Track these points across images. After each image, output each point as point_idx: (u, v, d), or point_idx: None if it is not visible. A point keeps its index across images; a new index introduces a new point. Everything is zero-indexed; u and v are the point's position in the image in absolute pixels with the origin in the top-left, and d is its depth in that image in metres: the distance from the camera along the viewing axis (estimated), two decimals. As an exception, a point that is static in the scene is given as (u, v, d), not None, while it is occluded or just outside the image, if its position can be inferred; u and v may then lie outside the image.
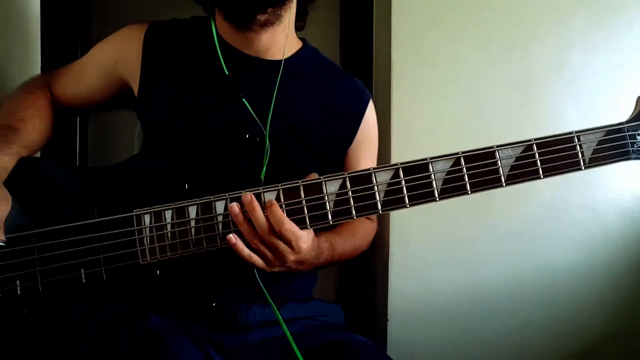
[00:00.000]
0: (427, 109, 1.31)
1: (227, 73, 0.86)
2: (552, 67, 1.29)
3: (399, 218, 1.33)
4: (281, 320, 0.78)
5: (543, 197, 1.31)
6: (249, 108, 0.84)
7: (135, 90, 0.90)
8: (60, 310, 0.74)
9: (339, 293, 1.61)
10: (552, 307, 1.31)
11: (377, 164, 1.06)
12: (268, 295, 0.79)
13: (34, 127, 0.90)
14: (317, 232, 0.83)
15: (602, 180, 1.30)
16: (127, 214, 0.74)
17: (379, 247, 1.48)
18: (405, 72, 1.32)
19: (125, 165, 0.84)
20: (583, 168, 0.72)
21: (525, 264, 1.31)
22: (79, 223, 0.74)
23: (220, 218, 0.73)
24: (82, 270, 0.73)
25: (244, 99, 0.84)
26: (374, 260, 1.53)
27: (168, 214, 0.74)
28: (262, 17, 0.83)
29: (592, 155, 0.72)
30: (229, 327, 0.84)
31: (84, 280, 0.73)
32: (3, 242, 0.70)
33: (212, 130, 0.86)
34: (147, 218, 0.74)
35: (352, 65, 1.56)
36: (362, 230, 0.99)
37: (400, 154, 1.30)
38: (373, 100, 1.02)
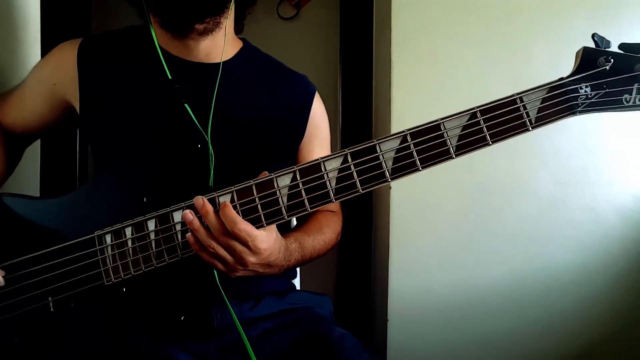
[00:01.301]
0: (427, 109, 1.31)
1: (170, 77, 0.84)
2: (552, 67, 1.29)
3: (399, 218, 1.33)
4: (239, 326, 0.77)
5: (543, 197, 1.31)
6: (191, 113, 0.83)
7: (78, 108, 0.88)
8: (32, 340, 0.73)
9: (338, 293, 1.61)
10: (552, 307, 1.32)
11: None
12: (226, 298, 0.78)
13: None
14: (286, 234, 0.83)
15: (602, 180, 1.30)
16: (88, 236, 0.74)
17: (379, 247, 1.48)
18: (405, 72, 1.32)
19: (84, 190, 0.82)
20: (530, 129, 0.71)
21: (524, 264, 1.31)
22: (41, 252, 0.73)
23: (178, 227, 0.73)
24: (50, 298, 0.73)
25: (186, 105, 0.83)
26: (374, 260, 1.53)
27: (128, 231, 0.73)
28: (200, 27, 0.82)
29: (537, 114, 0.72)
30: (204, 332, 0.82)
31: (52, 309, 0.73)
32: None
33: (161, 139, 0.85)
34: (108, 238, 0.74)
35: (352, 65, 1.56)
36: (328, 224, 0.97)
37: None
38: (319, 93, 1.00)
